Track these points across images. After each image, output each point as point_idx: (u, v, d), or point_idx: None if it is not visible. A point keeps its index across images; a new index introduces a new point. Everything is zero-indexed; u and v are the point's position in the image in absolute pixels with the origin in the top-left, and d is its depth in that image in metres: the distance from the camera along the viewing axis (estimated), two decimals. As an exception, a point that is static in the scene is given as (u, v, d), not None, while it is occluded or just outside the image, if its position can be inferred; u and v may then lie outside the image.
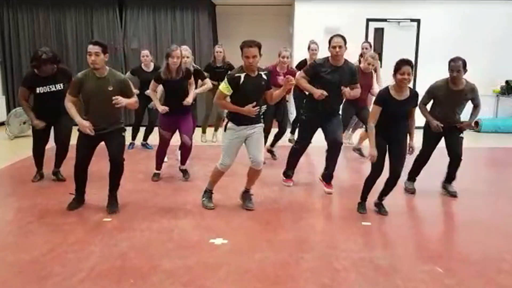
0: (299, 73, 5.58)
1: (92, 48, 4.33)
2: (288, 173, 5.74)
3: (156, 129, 6.82)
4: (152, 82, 5.65)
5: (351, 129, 8.11)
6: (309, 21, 10.14)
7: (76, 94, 4.51)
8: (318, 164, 6.91)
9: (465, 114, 5.22)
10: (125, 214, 4.67)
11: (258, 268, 3.54)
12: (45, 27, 10.45)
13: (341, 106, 5.83)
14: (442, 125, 5.07)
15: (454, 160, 5.25)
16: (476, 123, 9.84)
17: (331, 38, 5.09)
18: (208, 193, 4.94)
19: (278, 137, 7.09)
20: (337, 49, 4.99)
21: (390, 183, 4.63)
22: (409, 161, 4.96)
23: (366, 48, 7.79)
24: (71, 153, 5.07)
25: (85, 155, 4.59)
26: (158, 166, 5.98)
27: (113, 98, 4.33)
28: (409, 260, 3.72)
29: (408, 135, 4.55)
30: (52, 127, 5.64)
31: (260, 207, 4.91)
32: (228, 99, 4.57)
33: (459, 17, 10.10)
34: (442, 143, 5.30)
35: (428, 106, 5.28)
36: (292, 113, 8.31)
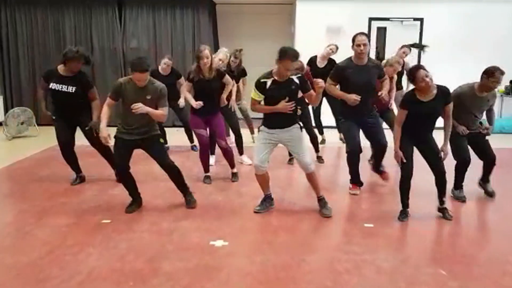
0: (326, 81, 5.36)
1: (140, 76, 4.39)
2: (353, 182, 5.53)
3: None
4: (186, 83, 5.87)
5: None
6: (310, 20, 10.13)
7: (115, 98, 4.62)
8: (322, 165, 6.92)
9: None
10: (124, 216, 4.67)
11: (259, 271, 3.54)
12: (43, 27, 10.45)
13: None
14: (468, 132, 5.03)
15: (489, 162, 5.27)
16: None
17: (355, 36, 5.04)
18: (263, 198, 4.93)
19: (313, 142, 6.91)
20: (362, 47, 4.95)
21: (439, 183, 4.59)
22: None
23: (405, 53, 7.43)
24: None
25: (123, 159, 4.67)
26: (205, 168, 6.01)
27: (134, 105, 4.39)
28: (412, 263, 3.72)
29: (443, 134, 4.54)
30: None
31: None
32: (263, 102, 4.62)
33: (463, 16, 10.09)
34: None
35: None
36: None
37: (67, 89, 5.35)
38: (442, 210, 4.71)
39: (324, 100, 6.79)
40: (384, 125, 5.97)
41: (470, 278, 3.48)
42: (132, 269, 3.53)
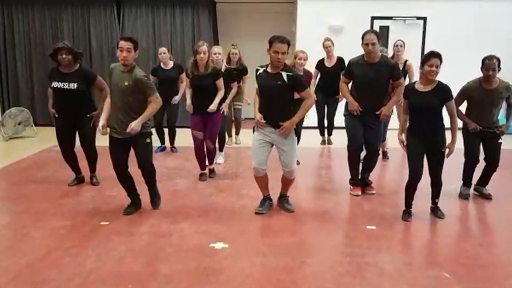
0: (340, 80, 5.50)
1: (124, 44, 4.37)
2: (353, 180, 5.54)
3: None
4: (186, 79, 5.99)
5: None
6: (312, 19, 10.15)
7: (109, 84, 4.64)
8: (323, 166, 6.93)
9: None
10: (123, 217, 4.67)
11: (259, 273, 3.54)
12: (40, 26, 10.47)
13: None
14: (480, 128, 5.09)
15: (491, 165, 5.29)
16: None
17: (364, 35, 5.04)
18: (262, 199, 4.95)
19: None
20: (370, 46, 4.96)
21: (434, 186, 4.70)
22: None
23: (401, 46, 7.22)
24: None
25: (118, 158, 4.62)
26: (201, 166, 6.14)
27: (128, 130, 4.38)
28: (415, 265, 3.72)
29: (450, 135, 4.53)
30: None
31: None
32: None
33: (467, 15, 10.10)
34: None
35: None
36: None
37: (68, 86, 5.32)
38: (433, 209, 4.81)
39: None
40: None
41: (474, 280, 3.48)
42: (131, 272, 3.54)
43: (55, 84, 5.36)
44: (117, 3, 10.45)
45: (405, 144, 4.66)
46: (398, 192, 5.13)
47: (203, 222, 4.59)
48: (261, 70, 4.56)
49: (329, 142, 8.34)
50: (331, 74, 7.37)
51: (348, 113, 5.33)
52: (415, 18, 10.24)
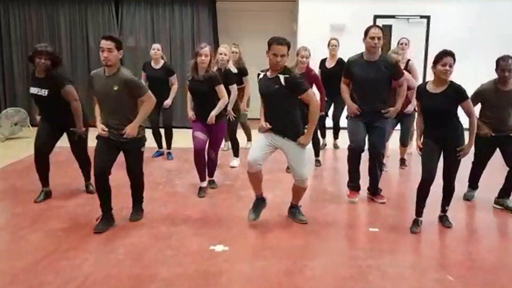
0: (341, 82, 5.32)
1: (104, 43, 4.13)
2: (351, 184, 5.36)
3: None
4: (187, 83, 5.57)
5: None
6: (314, 18, 10.15)
7: (94, 93, 4.43)
8: (325, 168, 6.93)
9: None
10: (122, 220, 4.67)
11: (260, 277, 3.54)
12: (37, 25, 10.48)
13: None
14: (492, 135, 4.99)
15: None
16: None
17: (368, 29, 4.92)
18: (255, 201, 4.68)
19: (314, 147, 6.76)
20: (376, 40, 4.82)
21: (446, 189, 4.55)
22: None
23: (406, 44, 7.14)
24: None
25: (104, 160, 4.31)
26: (201, 175, 5.57)
27: (122, 133, 4.25)
28: (418, 268, 3.72)
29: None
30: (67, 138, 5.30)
31: (263, 213, 4.91)
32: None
33: (471, 14, 10.10)
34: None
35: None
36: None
37: (41, 92, 4.96)
38: (442, 217, 4.67)
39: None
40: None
41: (478, 284, 3.48)
42: (129, 275, 3.54)
43: (32, 89, 5.03)
44: (115, 1, 10.46)
45: (419, 147, 4.52)
46: (402, 194, 5.14)
47: (202, 225, 4.60)
48: (261, 75, 4.39)
49: (336, 146, 8.19)
50: (331, 75, 7.25)
51: (349, 115, 5.22)
52: (419, 17, 10.24)
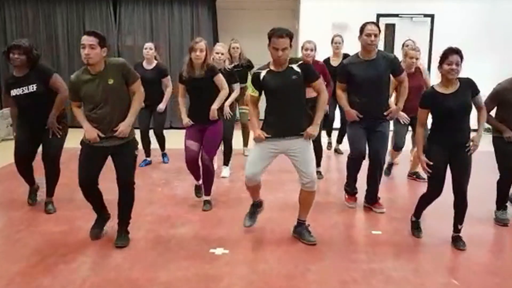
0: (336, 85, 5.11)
1: (86, 39, 3.83)
2: (349, 190, 5.27)
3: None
4: (179, 85, 5.19)
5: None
6: (315, 16, 10.16)
7: (76, 99, 4.03)
8: (327, 169, 6.92)
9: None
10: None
11: (261, 280, 3.54)
12: (33, 24, 10.49)
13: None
14: None
15: None
16: None
17: (364, 25, 4.77)
18: (251, 207, 4.49)
19: (316, 155, 6.46)
20: (373, 37, 4.67)
21: (459, 205, 4.18)
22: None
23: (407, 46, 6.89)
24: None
25: (90, 170, 4.05)
26: (196, 176, 5.33)
27: (115, 130, 3.94)
28: (423, 272, 3.72)
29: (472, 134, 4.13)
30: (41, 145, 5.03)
31: (264, 215, 4.91)
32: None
33: (477, 12, 10.09)
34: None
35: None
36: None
37: (27, 89, 4.71)
38: (455, 238, 4.27)
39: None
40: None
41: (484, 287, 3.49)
42: (128, 279, 3.54)
43: (14, 92, 4.74)
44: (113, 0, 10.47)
45: (428, 163, 4.09)
46: (405, 197, 5.14)
47: (202, 227, 4.60)
48: (264, 73, 4.03)
49: (339, 152, 7.94)
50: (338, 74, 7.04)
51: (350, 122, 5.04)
52: (422, 16, 10.25)
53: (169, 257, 3.91)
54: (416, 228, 4.45)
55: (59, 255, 3.93)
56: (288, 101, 4.03)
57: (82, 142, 4.06)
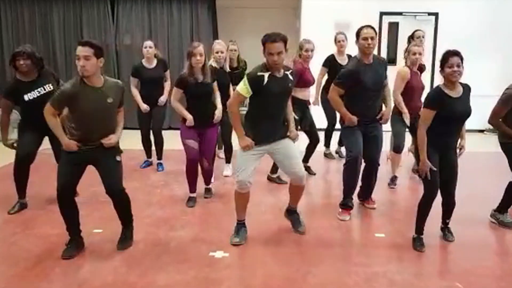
0: (331, 86, 5.02)
1: (80, 50, 3.70)
2: (346, 203, 5.05)
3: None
4: (175, 90, 5.22)
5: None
6: (317, 15, 10.16)
7: (60, 109, 3.96)
8: (329, 171, 6.93)
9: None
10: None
11: (262, 284, 3.55)
12: (30, 24, 10.48)
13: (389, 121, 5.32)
14: None
15: None
16: None
17: (360, 30, 4.76)
18: (237, 226, 4.47)
19: (311, 149, 6.56)
20: (369, 40, 4.66)
21: (449, 205, 4.31)
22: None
23: (423, 37, 6.92)
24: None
25: (68, 177, 3.97)
26: (192, 187, 5.46)
27: (105, 141, 3.93)
28: (426, 275, 3.73)
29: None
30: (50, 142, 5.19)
31: (265, 218, 4.93)
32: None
33: (482, 11, 10.09)
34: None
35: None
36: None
37: (44, 90, 4.96)
38: (443, 228, 4.46)
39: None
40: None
41: (489, 292, 3.49)
42: (126, 283, 3.55)
43: (29, 95, 4.93)
44: (111, -2, 10.48)
45: (432, 168, 4.06)
46: (409, 199, 5.14)
47: (202, 230, 4.61)
48: (266, 76, 4.01)
49: (341, 155, 7.65)
50: None
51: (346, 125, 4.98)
52: (427, 14, 10.24)
53: (168, 260, 3.92)
54: (418, 243, 4.29)
55: (55, 258, 3.94)
56: (281, 106, 4.21)
57: (61, 150, 4.01)
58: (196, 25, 10.56)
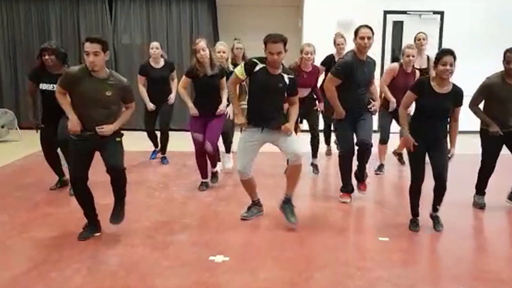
0: (327, 77, 5.55)
1: (90, 46, 4.06)
2: (345, 187, 5.65)
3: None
4: (183, 78, 5.82)
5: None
6: (320, 13, 10.17)
7: (66, 87, 4.23)
8: (332, 174, 6.93)
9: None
10: (115, 228, 4.66)
11: (263, 289, 3.55)
12: (26, 22, 10.52)
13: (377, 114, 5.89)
14: (502, 133, 5.05)
15: None
16: None
17: (358, 29, 5.20)
18: (250, 204, 5.05)
19: (314, 145, 6.88)
20: (366, 40, 5.11)
21: (438, 190, 4.65)
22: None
23: (424, 39, 7.31)
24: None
25: (79, 163, 4.29)
26: (203, 174, 6.04)
27: (98, 128, 4.18)
28: (431, 280, 3.73)
29: (448, 138, 4.61)
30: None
31: (266, 220, 4.93)
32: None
33: (488, 9, 10.11)
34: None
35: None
36: None
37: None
38: (433, 217, 4.79)
39: None
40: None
41: (495, 297, 3.49)
42: (123, 287, 3.54)
43: (44, 86, 5.48)
44: (108, -4, 10.50)
45: (414, 143, 4.54)
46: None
47: (202, 233, 4.60)
48: (260, 66, 4.55)
49: (329, 154, 8.13)
50: None
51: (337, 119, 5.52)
52: (432, 13, 10.26)
53: (167, 265, 3.92)
54: (413, 224, 4.76)
55: (52, 262, 3.94)
56: (270, 100, 4.63)
57: (70, 140, 4.32)
58: (196, 24, 10.58)
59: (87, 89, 4.15)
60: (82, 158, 4.29)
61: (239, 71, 4.61)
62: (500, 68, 5.08)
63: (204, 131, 5.81)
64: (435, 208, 4.76)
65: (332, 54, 7.46)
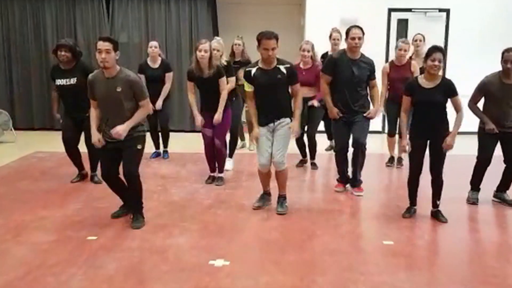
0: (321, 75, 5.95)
1: (102, 45, 4.46)
2: (341, 178, 6.12)
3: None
4: (187, 83, 6.15)
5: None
6: (322, 11, 10.17)
7: (91, 96, 4.72)
8: (334, 174, 6.93)
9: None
10: (113, 231, 4.69)
11: (264, 293, 3.55)
12: (20, 21, 10.52)
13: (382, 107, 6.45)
14: (497, 131, 5.26)
15: (511, 167, 5.47)
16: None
17: (349, 29, 5.55)
18: (261, 195, 5.46)
19: (311, 147, 7.26)
20: (356, 40, 5.47)
21: (436, 183, 4.97)
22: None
23: (421, 40, 7.65)
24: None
25: (107, 164, 4.79)
26: (211, 168, 6.42)
27: (112, 131, 4.52)
28: (437, 285, 3.72)
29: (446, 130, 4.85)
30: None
31: (267, 224, 4.93)
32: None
33: (494, 6, 10.10)
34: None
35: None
36: None
37: (69, 81, 5.89)
38: (435, 212, 5.06)
39: None
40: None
41: (503, 302, 3.49)
42: (121, 292, 3.55)
43: (58, 81, 5.96)
44: (106, -6, 10.50)
45: (408, 148, 4.96)
46: (418, 206, 5.13)
47: (201, 237, 4.61)
48: (254, 70, 5.00)
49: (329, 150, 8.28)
50: None
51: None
52: (437, 10, 10.26)
53: (166, 269, 3.92)
54: (407, 210, 5.15)
55: (47, 266, 3.94)
56: (274, 95, 5.01)
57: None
58: (195, 22, 10.57)
59: (101, 89, 4.60)
60: (109, 156, 4.75)
61: (246, 86, 5.08)
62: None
63: (212, 126, 6.07)
64: (435, 204, 5.05)
65: (327, 52, 7.67)
